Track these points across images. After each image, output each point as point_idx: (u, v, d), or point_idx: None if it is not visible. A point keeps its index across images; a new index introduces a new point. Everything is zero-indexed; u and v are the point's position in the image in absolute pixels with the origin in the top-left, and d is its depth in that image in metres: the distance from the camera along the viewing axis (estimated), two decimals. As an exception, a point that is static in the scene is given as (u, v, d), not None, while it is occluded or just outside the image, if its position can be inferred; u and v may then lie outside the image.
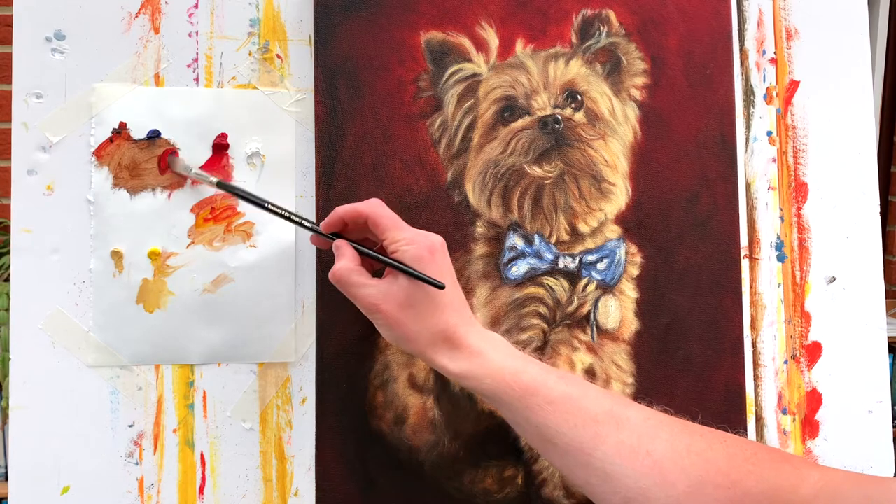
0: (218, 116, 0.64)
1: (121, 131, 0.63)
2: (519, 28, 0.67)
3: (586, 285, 0.67)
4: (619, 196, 0.68)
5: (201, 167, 0.64)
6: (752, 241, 0.72)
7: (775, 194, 0.73)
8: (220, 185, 0.61)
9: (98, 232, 0.63)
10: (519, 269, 0.66)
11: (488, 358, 0.56)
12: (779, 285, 0.72)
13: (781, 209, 0.73)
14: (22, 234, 0.62)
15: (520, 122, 0.66)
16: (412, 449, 0.65)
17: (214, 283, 0.64)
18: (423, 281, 0.55)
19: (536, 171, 0.66)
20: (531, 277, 0.66)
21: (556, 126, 0.66)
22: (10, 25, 0.62)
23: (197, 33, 0.65)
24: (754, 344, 0.71)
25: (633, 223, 0.68)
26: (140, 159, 0.63)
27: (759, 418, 0.71)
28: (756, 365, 0.71)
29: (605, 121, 0.68)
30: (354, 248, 0.58)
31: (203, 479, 0.64)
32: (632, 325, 0.68)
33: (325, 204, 0.64)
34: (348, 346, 0.64)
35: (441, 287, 0.55)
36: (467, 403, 0.66)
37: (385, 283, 0.56)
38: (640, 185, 0.68)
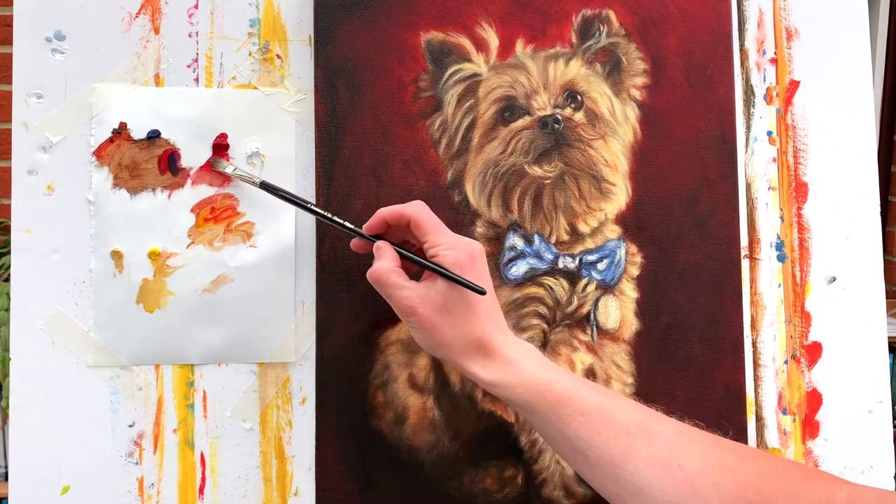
0: (218, 116, 0.64)
1: (121, 131, 0.63)
2: (519, 28, 0.67)
3: (586, 285, 0.67)
4: (619, 196, 0.68)
5: (201, 167, 0.64)
6: (753, 241, 0.72)
7: (775, 194, 0.73)
8: (263, 185, 0.61)
9: (98, 232, 0.63)
10: (519, 269, 0.66)
11: (521, 367, 0.55)
12: (779, 285, 0.72)
13: (781, 209, 0.73)
14: (22, 234, 0.62)
15: (520, 123, 0.66)
16: (412, 449, 0.65)
17: (214, 283, 0.64)
18: (464, 286, 0.55)
19: (536, 171, 0.66)
20: (531, 277, 0.66)
21: (556, 126, 0.66)
22: (10, 25, 0.62)
23: (197, 33, 0.65)
24: (754, 344, 0.71)
25: (633, 223, 0.68)
26: (140, 159, 0.63)
27: (759, 418, 0.71)
28: (756, 365, 0.71)
29: (605, 121, 0.68)
30: (396, 250, 0.58)
31: (203, 479, 0.65)
32: (632, 325, 0.68)
33: (324, 204, 0.64)
34: (348, 346, 0.64)
35: (482, 292, 0.55)
36: (467, 403, 0.66)
37: (423, 286, 0.56)
38: (640, 185, 0.68)
